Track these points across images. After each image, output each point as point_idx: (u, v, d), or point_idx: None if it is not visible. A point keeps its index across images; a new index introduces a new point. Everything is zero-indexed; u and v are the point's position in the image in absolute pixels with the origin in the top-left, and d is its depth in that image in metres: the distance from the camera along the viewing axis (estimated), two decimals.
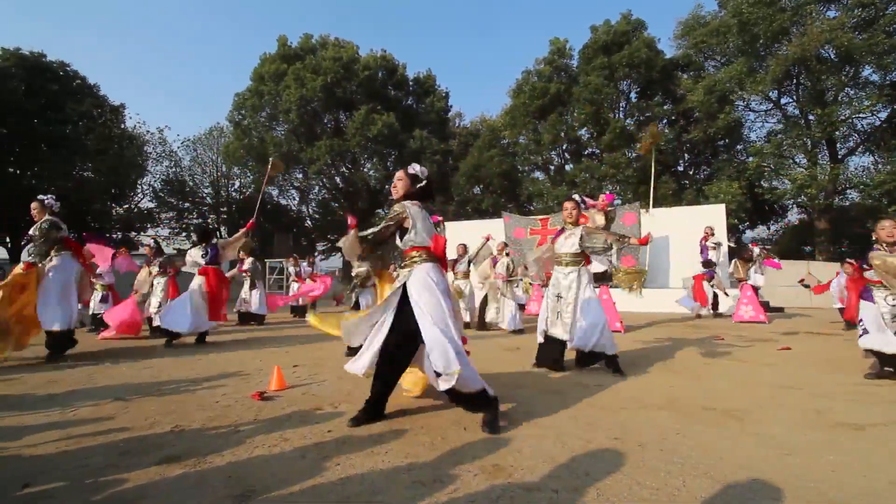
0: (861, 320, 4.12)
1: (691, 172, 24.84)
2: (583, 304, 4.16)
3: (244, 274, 9.10)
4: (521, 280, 7.65)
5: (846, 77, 18.40)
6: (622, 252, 5.31)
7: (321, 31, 42.10)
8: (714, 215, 12.42)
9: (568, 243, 4.30)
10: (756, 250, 9.56)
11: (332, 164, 26.33)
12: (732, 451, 2.27)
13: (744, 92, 20.16)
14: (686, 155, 24.75)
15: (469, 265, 8.01)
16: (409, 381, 3.22)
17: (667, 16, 53.45)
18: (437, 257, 2.87)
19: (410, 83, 27.94)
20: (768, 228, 26.48)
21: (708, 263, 9.53)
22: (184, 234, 28.75)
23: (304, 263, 11.82)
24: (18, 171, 19.58)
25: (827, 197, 18.75)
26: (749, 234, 25.10)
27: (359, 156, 26.18)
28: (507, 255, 7.75)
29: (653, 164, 12.71)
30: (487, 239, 8.09)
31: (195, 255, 6.42)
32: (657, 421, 2.74)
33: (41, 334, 4.87)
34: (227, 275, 8.24)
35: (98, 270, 6.92)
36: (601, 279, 8.50)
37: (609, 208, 8.16)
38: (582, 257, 4.30)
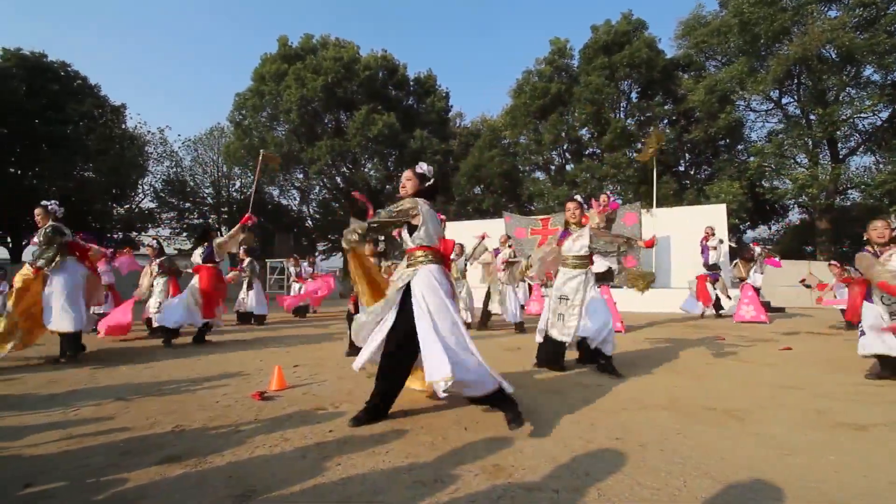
0: (861, 322, 4.11)
1: (692, 172, 24.84)
2: (589, 305, 4.13)
3: (242, 274, 9.11)
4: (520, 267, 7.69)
5: (847, 77, 18.40)
6: (625, 253, 5.31)
7: (322, 31, 42.12)
8: (715, 215, 12.41)
9: (577, 246, 4.23)
10: (757, 250, 9.56)
11: (332, 165, 26.35)
12: (733, 451, 2.27)
13: (745, 92, 20.17)
14: (687, 155, 24.75)
15: (466, 264, 8.02)
16: (420, 383, 3.16)
17: (667, 16, 53.48)
18: (443, 259, 2.85)
19: (411, 83, 27.96)
20: (769, 228, 26.52)
21: (713, 267, 9.54)
22: (185, 234, 28.78)
23: (305, 263, 11.82)
24: (19, 172, 19.60)
25: (828, 197, 18.75)
26: (750, 233, 25.14)
27: (359, 156, 26.19)
28: (510, 247, 7.76)
29: (654, 166, 12.73)
30: (483, 237, 8.09)
31: (195, 256, 6.49)
32: (658, 421, 2.74)
33: (45, 335, 4.88)
34: (228, 276, 8.28)
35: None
36: (603, 279, 8.50)
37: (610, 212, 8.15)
38: (588, 259, 4.27)
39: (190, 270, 6.52)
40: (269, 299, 10.60)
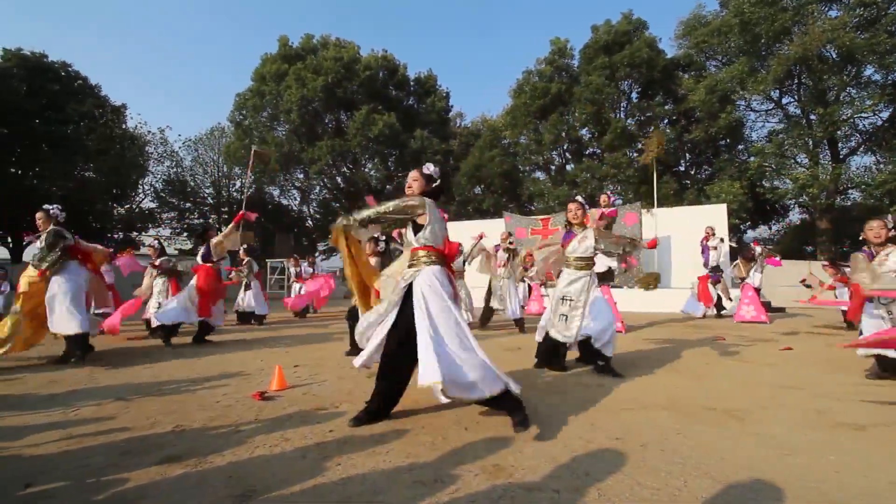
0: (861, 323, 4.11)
1: (693, 172, 24.83)
2: (593, 305, 4.11)
3: (240, 273, 9.13)
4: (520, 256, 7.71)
5: (848, 77, 18.39)
6: (630, 254, 5.33)
7: (322, 31, 42.10)
8: (715, 215, 12.41)
9: (582, 247, 4.20)
10: (758, 249, 9.56)
11: (333, 165, 26.34)
12: (733, 451, 2.27)
13: (745, 92, 20.17)
14: (687, 155, 24.75)
15: (464, 264, 8.02)
16: None
17: (668, 15, 53.44)
18: (446, 261, 2.83)
19: (411, 83, 27.96)
20: (770, 228, 26.52)
21: (715, 269, 9.55)
22: (185, 234, 28.79)
23: (305, 264, 11.81)
24: (20, 172, 19.59)
25: (828, 197, 18.75)
26: (750, 233, 25.13)
27: (360, 156, 26.21)
28: (511, 244, 7.76)
29: (654, 169, 12.74)
30: (480, 237, 8.09)
31: (199, 256, 6.54)
32: (658, 421, 2.74)
33: (48, 335, 4.88)
34: (230, 278, 8.31)
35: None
36: (603, 279, 8.49)
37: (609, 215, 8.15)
38: (592, 260, 4.26)
39: (190, 270, 6.56)
40: (269, 299, 10.59)
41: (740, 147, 23.18)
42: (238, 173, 29.63)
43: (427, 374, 2.38)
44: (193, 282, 6.32)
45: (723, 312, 9.54)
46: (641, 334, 6.95)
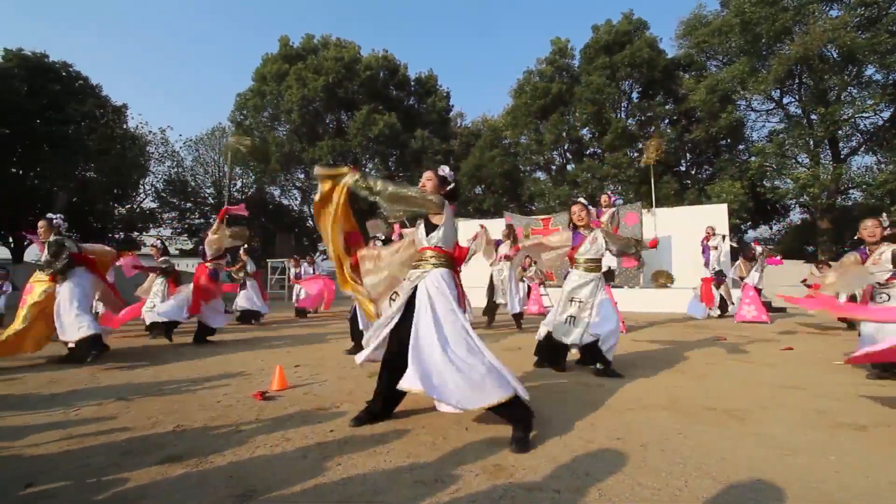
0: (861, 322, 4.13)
1: (693, 172, 24.82)
2: (601, 308, 4.09)
3: (234, 273, 9.14)
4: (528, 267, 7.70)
5: (849, 76, 18.36)
6: (638, 254, 5.36)
7: (322, 31, 42.10)
8: (716, 215, 12.40)
9: (594, 248, 4.19)
10: (759, 249, 9.55)
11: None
12: (734, 451, 2.27)
13: (746, 91, 20.14)
14: (688, 155, 24.74)
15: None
16: None
17: (669, 15, 53.37)
18: (454, 264, 2.80)
19: (412, 83, 27.96)
20: (770, 228, 26.51)
21: (720, 274, 9.55)
22: (186, 234, 28.82)
23: (305, 264, 11.81)
24: (21, 172, 19.60)
25: (829, 197, 18.72)
26: (751, 233, 25.12)
27: (360, 156, 26.19)
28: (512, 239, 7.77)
29: (652, 174, 12.75)
30: (483, 229, 8.11)
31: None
32: (659, 421, 2.74)
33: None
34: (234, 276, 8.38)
35: None
36: (604, 279, 8.51)
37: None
38: (600, 261, 4.25)
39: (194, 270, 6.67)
40: (269, 299, 10.59)
41: (741, 147, 23.16)
42: (239, 173, 29.65)
43: (409, 379, 2.36)
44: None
45: (727, 313, 9.53)
46: (642, 334, 6.95)
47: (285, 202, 31.40)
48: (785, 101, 21.58)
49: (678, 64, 23.31)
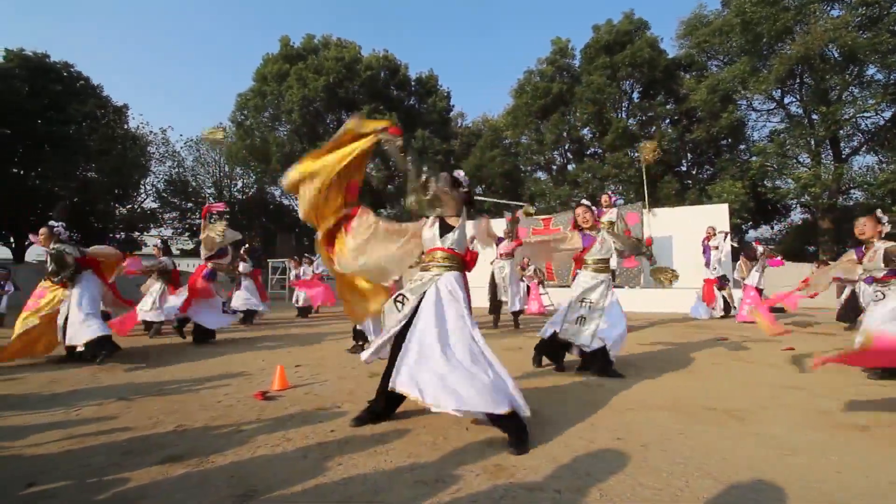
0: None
1: (694, 172, 24.80)
2: (609, 310, 4.06)
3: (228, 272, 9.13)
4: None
5: (850, 76, 18.34)
6: (646, 254, 5.38)
7: (323, 31, 42.07)
8: (717, 215, 12.37)
9: (604, 248, 4.18)
10: (760, 249, 9.54)
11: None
12: (735, 451, 2.26)
13: (747, 91, 20.14)
14: (689, 154, 24.71)
15: None
16: None
17: (669, 15, 53.19)
18: (465, 268, 2.78)
19: (412, 83, 27.95)
20: (772, 228, 26.46)
21: (723, 278, 9.54)
22: (187, 234, 28.83)
23: (305, 265, 11.80)
24: (22, 172, 19.61)
25: (830, 196, 18.70)
26: (752, 233, 25.10)
27: None
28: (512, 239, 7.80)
29: (645, 175, 12.75)
30: (484, 218, 8.15)
31: None
32: (659, 421, 2.74)
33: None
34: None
35: None
36: None
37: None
38: (609, 262, 4.24)
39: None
40: (269, 300, 10.59)
41: (742, 147, 23.16)
42: (239, 173, 29.67)
43: (398, 379, 2.36)
44: None
45: (725, 314, 9.52)
46: (643, 334, 6.94)
47: (286, 202, 31.38)
48: (786, 100, 21.58)
49: (679, 64, 23.29)
